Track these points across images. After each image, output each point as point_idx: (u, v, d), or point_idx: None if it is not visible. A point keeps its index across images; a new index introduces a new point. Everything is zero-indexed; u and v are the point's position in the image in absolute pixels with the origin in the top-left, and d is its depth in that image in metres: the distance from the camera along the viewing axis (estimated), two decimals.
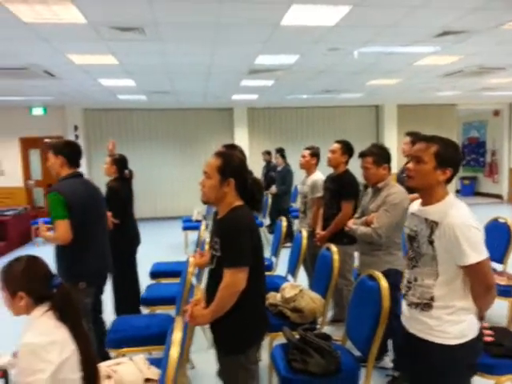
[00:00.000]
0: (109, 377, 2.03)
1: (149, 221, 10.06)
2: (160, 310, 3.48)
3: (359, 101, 10.45)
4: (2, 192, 10.03)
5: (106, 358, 2.63)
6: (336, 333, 3.23)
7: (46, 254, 1.82)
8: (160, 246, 7.32)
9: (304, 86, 8.07)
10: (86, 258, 2.74)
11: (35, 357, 1.56)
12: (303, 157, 4.17)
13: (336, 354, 2.28)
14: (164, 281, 4.09)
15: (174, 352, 1.65)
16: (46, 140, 9.96)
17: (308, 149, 4.20)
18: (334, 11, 3.94)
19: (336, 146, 3.72)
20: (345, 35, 4.72)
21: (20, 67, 5.79)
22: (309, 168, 4.17)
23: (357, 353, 2.41)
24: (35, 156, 10.60)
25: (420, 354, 1.84)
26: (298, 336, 2.45)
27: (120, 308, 3.79)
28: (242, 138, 10.44)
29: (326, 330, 2.83)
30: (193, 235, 7.18)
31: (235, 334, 1.97)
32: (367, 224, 2.90)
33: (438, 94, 9.70)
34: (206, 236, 3.54)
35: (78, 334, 1.71)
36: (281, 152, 7.55)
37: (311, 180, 4.09)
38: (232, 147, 3.14)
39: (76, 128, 10.19)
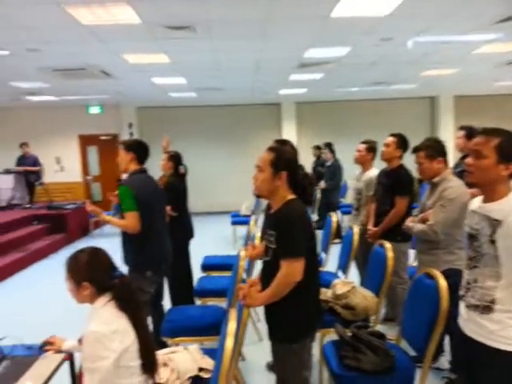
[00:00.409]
0: (165, 364, 2.11)
1: (198, 215, 10.28)
2: (211, 302, 3.57)
3: (412, 92, 10.06)
4: (62, 187, 10.64)
5: (163, 345, 2.72)
6: (388, 332, 3.14)
7: (103, 246, 1.91)
8: (209, 239, 7.46)
9: (354, 79, 7.89)
10: (149, 247, 2.93)
11: (99, 344, 1.64)
12: (358, 151, 4.01)
13: (390, 352, 2.22)
14: (214, 274, 4.18)
15: (229, 342, 1.68)
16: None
17: (364, 143, 4.02)
18: (387, 1, 3.81)
19: (390, 139, 3.60)
20: (398, 25, 4.56)
21: (78, 68, 6.10)
22: (364, 163, 4.02)
23: (411, 353, 2.34)
24: (92, 153, 11.16)
25: (479, 359, 1.75)
26: (350, 333, 2.41)
27: (175, 298, 3.93)
28: (289, 133, 10.40)
29: (378, 328, 2.76)
30: (241, 230, 7.28)
31: (291, 323, 2.01)
32: (423, 221, 2.80)
33: (498, 84, 9.15)
34: (257, 230, 3.57)
35: (138, 324, 1.78)
36: (329, 146, 7.44)
37: (367, 176, 3.95)
38: (283, 142, 3.14)
39: (130, 125, 10.61)
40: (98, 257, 1.82)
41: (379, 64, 6.58)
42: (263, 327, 3.63)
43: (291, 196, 2.02)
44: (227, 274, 4.00)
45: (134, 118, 10.71)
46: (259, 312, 3.82)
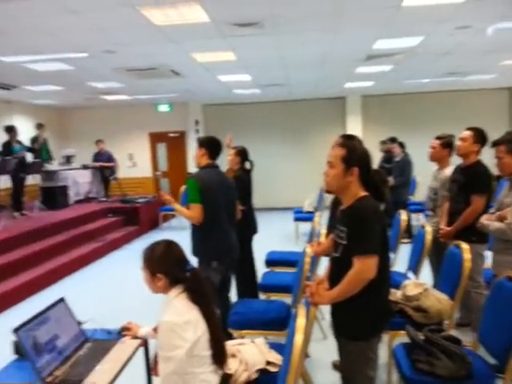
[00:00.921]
0: (233, 356, 2.15)
1: (261, 211, 10.37)
2: (275, 297, 3.59)
3: (490, 83, 9.36)
4: (134, 182, 11.25)
5: (229, 337, 2.79)
6: (462, 337, 2.97)
7: (171, 238, 1.98)
8: (272, 235, 7.50)
9: (426, 70, 7.50)
10: (213, 238, 3.06)
11: (173, 334, 1.71)
12: (433, 147, 3.74)
13: (467, 358, 2.10)
14: (278, 269, 4.19)
15: (299, 338, 1.68)
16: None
17: (438, 138, 3.74)
18: None
19: (467, 133, 3.36)
20: (476, 11, 4.26)
21: (150, 67, 6.39)
22: (440, 160, 3.74)
23: (491, 361, 2.19)
24: (161, 149, 11.67)
25: None
26: (422, 337, 2.31)
27: (241, 291, 4.00)
28: (355, 128, 10.14)
29: (452, 333, 2.62)
30: (303, 226, 7.24)
31: (359, 320, 1.97)
32: (501, 219, 2.61)
33: None
34: (321, 226, 3.52)
35: (208, 315, 1.84)
36: (396, 141, 7.15)
37: (443, 175, 3.67)
38: (350, 137, 3.06)
39: (197, 123, 10.94)
40: (172, 250, 1.89)
41: (453, 54, 6.20)
42: (327, 325, 3.62)
43: (363, 193, 1.97)
44: (290, 269, 4.01)
45: (200, 116, 11.02)
46: (324, 310, 3.78)
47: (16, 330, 1.85)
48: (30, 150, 7.70)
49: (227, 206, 3.19)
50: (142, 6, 3.79)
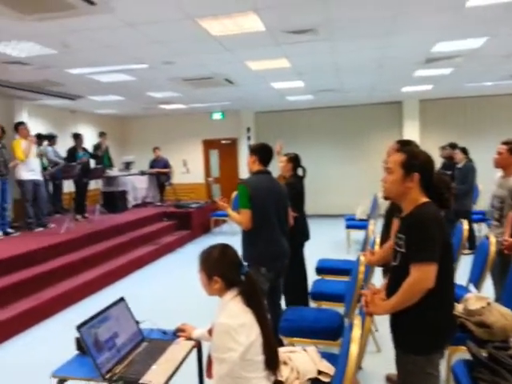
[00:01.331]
0: (285, 363, 2.13)
1: (312, 218, 10.28)
2: (325, 306, 3.54)
3: None
4: (187, 187, 11.57)
5: (280, 344, 2.77)
6: None
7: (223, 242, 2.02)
8: (322, 242, 7.40)
9: (489, 72, 7.11)
10: (261, 244, 3.07)
11: (228, 336, 1.73)
12: (499, 153, 3.49)
13: None
14: (328, 277, 4.14)
15: (354, 349, 1.64)
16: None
17: (506, 143, 3.49)
18: None
19: None
20: None
21: (206, 77, 6.57)
22: (507, 167, 3.49)
23: None
24: (214, 156, 11.93)
25: None
26: (485, 354, 2.17)
27: (290, 298, 3.97)
28: (412, 133, 9.78)
29: None
30: (355, 234, 7.09)
31: (419, 333, 1.88)
32: None
33: None
34: (376, 234, 3.43)
35: (262, 320, 1.84)
36: (457, 147, 6.81)
37: (511, 182, 3.44)
38: (407, 143, 2.96)
39: (248, 130, 11.08)
40: (228, 253, 1.92)
41: None
42: (381, 338, 3.51)
43: (424, 199, 1.90)
44: (342, 278, 3.99)
45: (252, 123, 11.15)
46: (378, 322, 3.67)
47: (79, 328, 1.95)
48: (92, 156, 8.16)
49: (278, 212, 3.18)
50: (201, 17, 3.91)
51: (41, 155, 6.87)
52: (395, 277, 1.94)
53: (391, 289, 1.94)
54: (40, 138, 7.82)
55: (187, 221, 8.68)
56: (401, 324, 1.94)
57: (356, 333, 1.70)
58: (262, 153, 3.18)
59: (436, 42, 5.04)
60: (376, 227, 4.32)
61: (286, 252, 3.24)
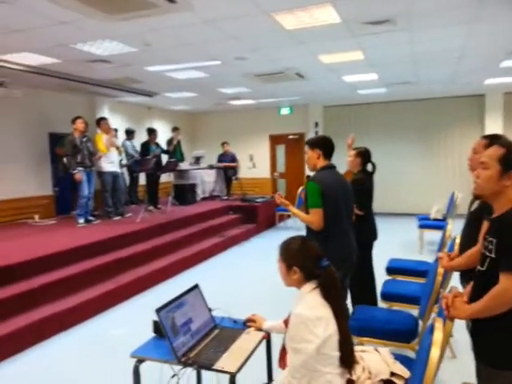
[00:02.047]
0: (357, 362, 2.08)
1: (381, 216, 9.96)
2: (397, 307, 3.42)
3: None
4: (253, 182, 11.72)
5: None
6: None
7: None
8: (392, 242, 7.14)
9: None
10: (332, 244, 2.89)
11: (304, 327, 1.72)
12: None
13: None
14: (400, 278, 4.00)
15: (435, 353, 1.56)
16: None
17: None
18: None
19: None
20: None
21: (277, 72, 6.57)
22: None
23: None
24: (280, 151, 11.95)
25: None
26: None
27: (356, 298, 3.86)
28: (494, 128, 9.04)
29: None
30: (428, 234, 6.76)
31: (502, 346, 1.71)
32: None
33: None
34: (457, 236, 3.22)
35: (339, 315, 1.81)
36: None
37: None
38: (495, 137, 2.73)
39: (316, 124, 10.95)
40: (307, 245, 1.93)
41: None
42: (456, 344, 3.32)
43: None
44: (414, 279, 3.86)
45: (320, 117, 11.00)
46: (456, 326, 3.47)
47: (158, 311, 2.04)
48: (163, 151, 8.52)
49: (348, 210, 3.05)
50: (276, 12, 3.90)
51: (118, 149, 7.31)
52: (481, 283, 1.79)
53: (475, 295, 1.79)
54: (116, 132, 8.33)
55: (253, 215, 8.81)
56: (485, 332, 1.78)
57: (438, 336, 1.62)
58: (326, 146, 3.00)
59: None
60: (452, 228, 4.09)
61: (355, 252, 3.12)
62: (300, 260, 1.87)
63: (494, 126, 9.22)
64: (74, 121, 6.53)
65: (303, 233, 3.06)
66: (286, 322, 1.97)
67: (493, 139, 2.60)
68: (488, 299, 1.69)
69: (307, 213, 2.91)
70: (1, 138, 6.90)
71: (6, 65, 5.43)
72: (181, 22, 4.11)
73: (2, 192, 6.89)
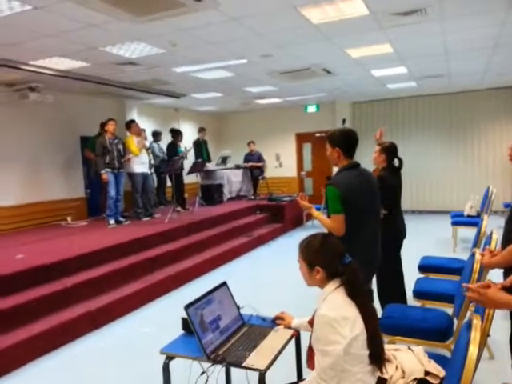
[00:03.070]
0: (389, 360, 2.02)
1: (411, 214, 9.73)
2: (430, 305, 3.35)
3: None
4: (280, 181, 11.67)
5: None
6: None
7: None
8: (424, 240, 6.94)
9: None
10: (353, 247, 2.65)
11: (330, 328, 1.66)
12: None
13: None
14: (433, 276, 3.91)
15: (474, 351, 1.48)
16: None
17: None
18: None
19: None
20: None
21: (303, 68, 6.51)
22: None
23: None
24: (307, 149, 11.85)
25: None
26: None
27: (384, 297, 3.75)
28: None
29: None
30: (462, 232, 6.56)
31: None
32: None
33: None
34: (493, 231, 3.09)
35: (366, 313, 1.74)
36: None
37: None
38: None
39: (344, 121, 10.78)
40: (329, 243, 1.86)
41: None
42: (494, 344, 3.19)
43: None
44: (447, 277, 3.76)
45: (348, 114, 10.83)
46: (493, 325, 3.33)
47: (186, 308, 2.04)
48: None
49: (375, 210, 2.87)
50: (302, 6, 3.85)
51: (148, 150, 7.40)
52: None
53: None
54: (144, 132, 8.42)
55: (280, 214, 8.78)
56: None
57: (475, 334, 1.54)
58: (346, 143, 2.71)
59: None
60: (488, 224, 3.94)
61: (379, 253, 2.95)
62: (322, 258, 1.81)
63: None
64: (105, 123, 6.66)
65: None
66: (311, 323, 1.91)
67: None
68: None
69: (329, 216, 2.74)
70: (34, 142, 7.13)
71: (38, 70, 5.59)
72: (207, 20, 4.12)
73: (35, 195, 7.12)
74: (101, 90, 7.28)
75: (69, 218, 7.48)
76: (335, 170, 2.95)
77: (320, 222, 2.86)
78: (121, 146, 6.76)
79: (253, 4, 3.78)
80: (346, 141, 2.72)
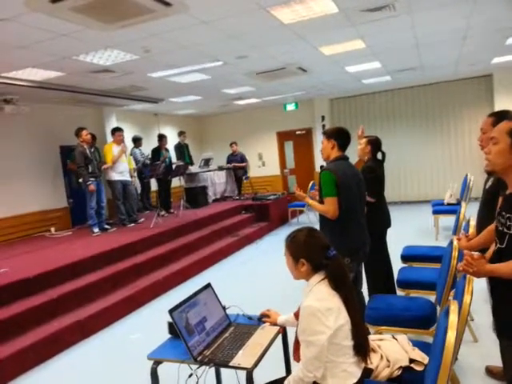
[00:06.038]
0: (374, 350, 2.07)
1: (394, 204, 9.86)
2: (414, 294, 3.40)
3: None
4: (263, 180, 11.72)
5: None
6: None
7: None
8: (407, 230, 7.08)
9: None
10: (347, 234, 2.93)
11: (315, 319, 1.71)
12: None
13: None
14: (415, 265, 3.98)
15: (452, 336, 1.53)
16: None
17: None
18: None
19: None
20: None
21: (279, 68, 6.55)
22: None
23: None
24: (289, 147, 11.92)
25: None
26: None
27: (373, 286, 3.83)
28: (504, 107, 8.79)
29: None
30: (443, 220, 6.68)
31: None
32: None
33: None
34: (471, 218, 3.17)
35: (350, 304, 1.79)
36: None
37: None
38: (502, 114, 2.66)
39: (323, 118, 10.89)
40: (314, 236, 1.90)
41: None
42: (478, 328, 3.28)
43: None
44: (429, 265, 3.84)
45: (327, 111, 10.93)
46: (474, 310, 3.42)
47: (171, 311, 2.05)
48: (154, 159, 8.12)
49: (361, 200, 3.09)
50: (272, 6, 3.88)
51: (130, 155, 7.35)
52: (500, 260, 1.74)
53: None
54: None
55: (265, 213, 8.82)
56: (505, 308, 1.76)
57: (453, 318, 1.59)
58: (341, 138, 3.04)
59: None
60: (467, 210, 4.04)
61: (368, 241, 3.13)
62: (307, 251, 1.85)
63: (503, 104, 9.03)
64: (79, 132, 6.53)
65: (317, 228, 3.05)
66: (297, 315, 1.95)
67: (500, 116, 2.55)
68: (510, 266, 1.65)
69: (321, 201, 2.96)
70: (13, 154, 7.02)
71: (12, 82, 5.51)
72: (178, 24, 4.12)
73: (16, 207, 7.02)
74: (78, 98, 7.20)
75: (52, 229, 7.40)
76: (318, 166, 3.10)
77: (314, 209, 3.03)
78: (97, 154, 6.70)
79: (222, 7, 3.79)
80: (342, 135, 3.05)
